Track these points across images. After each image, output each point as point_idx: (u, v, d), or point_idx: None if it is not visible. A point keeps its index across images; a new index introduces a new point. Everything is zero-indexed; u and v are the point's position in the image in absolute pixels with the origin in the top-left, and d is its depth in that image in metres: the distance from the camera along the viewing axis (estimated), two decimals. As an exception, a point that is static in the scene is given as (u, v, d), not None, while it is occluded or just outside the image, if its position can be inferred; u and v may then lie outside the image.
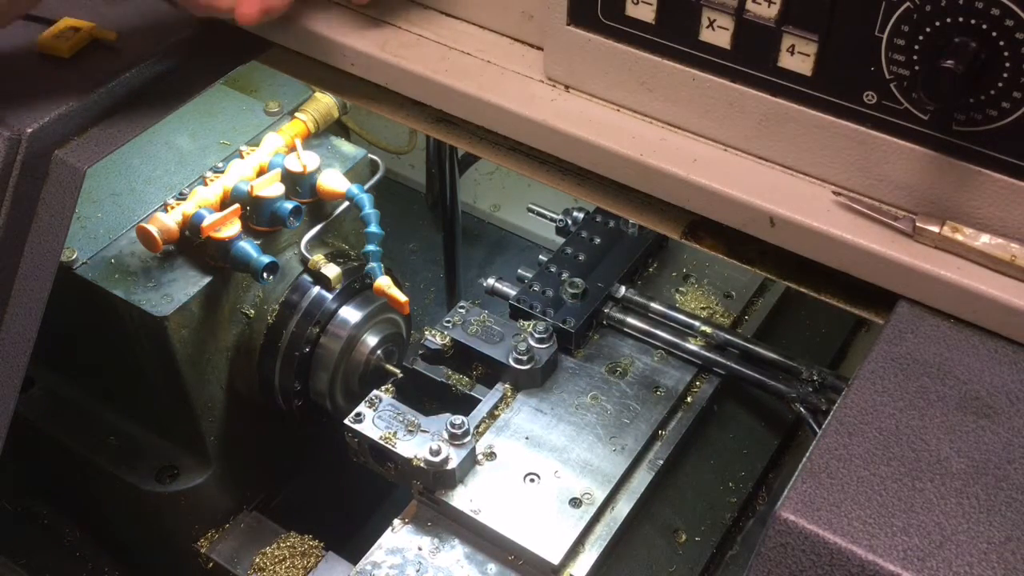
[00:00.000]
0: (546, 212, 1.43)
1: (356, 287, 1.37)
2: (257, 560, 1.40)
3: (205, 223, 1.22)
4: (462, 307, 1.26)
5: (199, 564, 1.44)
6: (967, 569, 0.68)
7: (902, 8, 0.73)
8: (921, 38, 0.73)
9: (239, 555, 1.43)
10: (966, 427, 0.75)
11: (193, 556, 1.44)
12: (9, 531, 1.57)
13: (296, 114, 1.39)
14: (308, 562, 1.39)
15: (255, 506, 1.49)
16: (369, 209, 1.32)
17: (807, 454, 0.75)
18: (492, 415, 1.19)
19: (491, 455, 1.14)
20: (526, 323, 1.23)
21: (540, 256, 1.33)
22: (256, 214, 1.27)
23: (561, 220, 1.39)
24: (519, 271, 1.32)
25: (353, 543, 1.42)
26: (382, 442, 1.12)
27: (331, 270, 1.33)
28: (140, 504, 1.41)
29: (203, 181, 1.31)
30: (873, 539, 0.70)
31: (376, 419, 1.15)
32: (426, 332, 1.24)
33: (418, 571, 1.08)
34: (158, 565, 1.53)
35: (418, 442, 1.12)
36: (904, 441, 0.74)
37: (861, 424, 0.76)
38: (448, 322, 1.24)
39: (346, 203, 1.37)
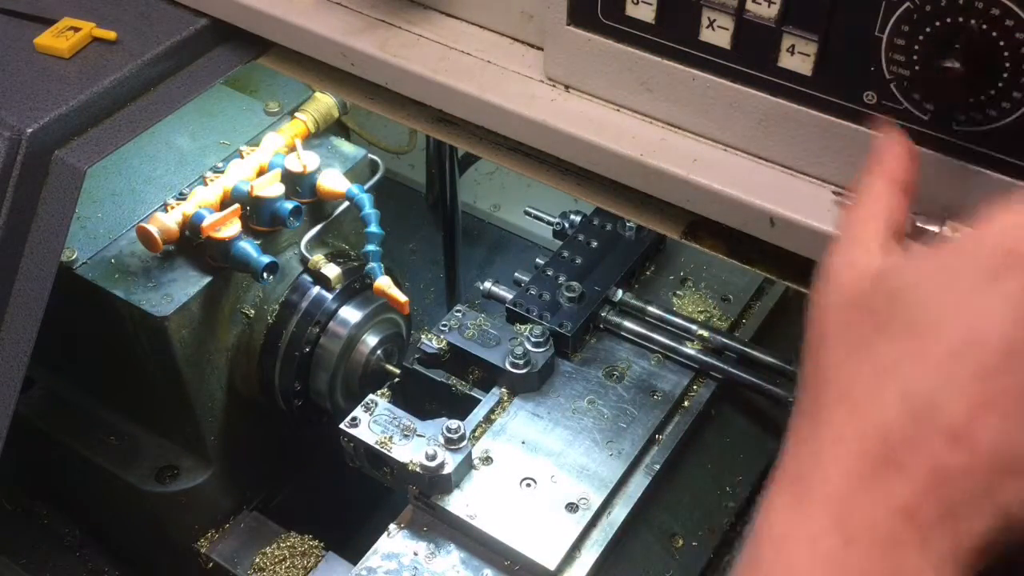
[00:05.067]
0: (543, 215, 1.43)
1: (356, 287, 1.37)
2: (257, 560, 1.40)
3: (205, 223, 1.22)
4: (459, 311, 1.26)
5: (199, 564, 1.44)
6: (966, 569, 0.68)
7: (902, 8, 0.73)
8: (921, 38, 0.73)
9: (239, 555, 1.43)
10: (966, 427, 0.75)
11: (193, 556, 1.44)
12: (9, 531, 1.57)
13: (296, 114, 1.39)
14: (308, 562, 1.39)
15: (255, 506, 1.49)
16: (369, 209, 1.32)
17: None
18: (488, 419, 1.18)
19: (487, 460, 1.14)
20: (523, 327, 1.23)
21: (537, 259, 1.32)
22: (256, 214, 1.27)
23: (558, 223, 1.39)
24: (516, 274, 1.32)
25: (353, 543, 1.42)
26: (378, 447, 1.12)
27: (331, 270, 1.33)
28: (140, 504, 1.41)
29: (203, 181, 1.31)
30: (872, 539, 0.70)
31: (372, 423, 1.14)
32: (422, 336, 1.24)
33: None
34: (158, 565, 1.53)
35: (414, 447, 1.12)
36: (904, 441, 0.74)
37: (861, 424, 0.75)
38: (444, 326, 1.24)
39: (346, 203, 1.37)
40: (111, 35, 1.10)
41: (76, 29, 1.09)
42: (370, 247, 1.33)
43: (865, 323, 0.57)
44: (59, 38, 1.08)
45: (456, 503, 1.10)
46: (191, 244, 1.26)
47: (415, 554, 1.10)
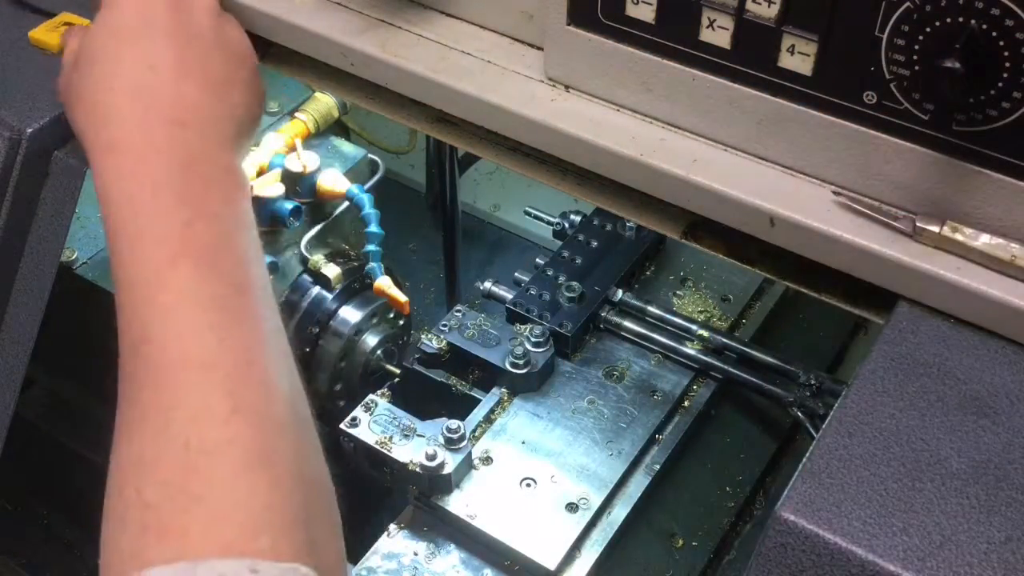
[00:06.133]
0: (543, 215, 1.43)
1: (356, 287, 1.37)
2: (256, 560, 1.40)
3: (205, 223, 1.21)
4: (458, 311, 1.26)
5: (198, 564, 1.44)
6: (967, 569, 0.68)
7: (902, 8, 0.73)
8: (921, 38, 0.73)
9: (238, 555, 1.42)
10: (966, 427, 0.75)
11: (192, 556, 1.44)
12: (9, 531, 1.56)
13: (296, 114, 1.39)
14: (307, 562, 1.39)
15: (254, 507, 1.49)
16: (369, 209, 1.32)
17: (807, 454, 0.75)
18: (488, 419, 1.18)
19: (487, 460, 1.14)
20: (523, 327, 1.23)
21: (537, 259, 1.32)
22: (256, 214, 1.27)
23: (558, 223, 1.39)
24: (516, 274, 1.32)
25: (353, 543, 1.41)
26: (378, 447, 1.12)
27: (331, 270, 1.33)
28: (139, 504, 1.41)
29: (203, 181, 1.30)
30: (873, 539, 0.70)
31: (372, 423, 1.14)
32: (422, 336, 1.24)
33: None
34: (157, 565, 1.53)
35: (414, 447, 1.12)
36: (904, 441, 0.74)
37: (861, 424, 0.76)
38: (444, 326, 1.24)
39: (346, 203, 1.37)
40: (111, 35, 1.09)
41: (70, 25, 1.09)
42: (370, 247, 1.33)
43: None
44: (52, 33, 1.08)
45: (456, 503, 1.10)
46: (191, 244, 1.26)
47: (415, 554, 1.10)
